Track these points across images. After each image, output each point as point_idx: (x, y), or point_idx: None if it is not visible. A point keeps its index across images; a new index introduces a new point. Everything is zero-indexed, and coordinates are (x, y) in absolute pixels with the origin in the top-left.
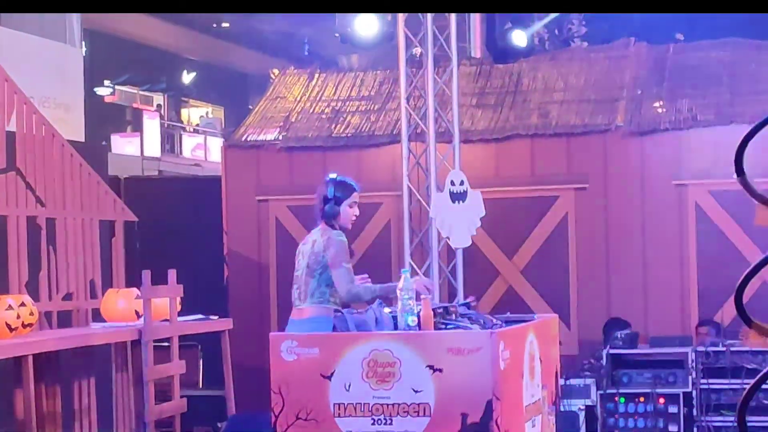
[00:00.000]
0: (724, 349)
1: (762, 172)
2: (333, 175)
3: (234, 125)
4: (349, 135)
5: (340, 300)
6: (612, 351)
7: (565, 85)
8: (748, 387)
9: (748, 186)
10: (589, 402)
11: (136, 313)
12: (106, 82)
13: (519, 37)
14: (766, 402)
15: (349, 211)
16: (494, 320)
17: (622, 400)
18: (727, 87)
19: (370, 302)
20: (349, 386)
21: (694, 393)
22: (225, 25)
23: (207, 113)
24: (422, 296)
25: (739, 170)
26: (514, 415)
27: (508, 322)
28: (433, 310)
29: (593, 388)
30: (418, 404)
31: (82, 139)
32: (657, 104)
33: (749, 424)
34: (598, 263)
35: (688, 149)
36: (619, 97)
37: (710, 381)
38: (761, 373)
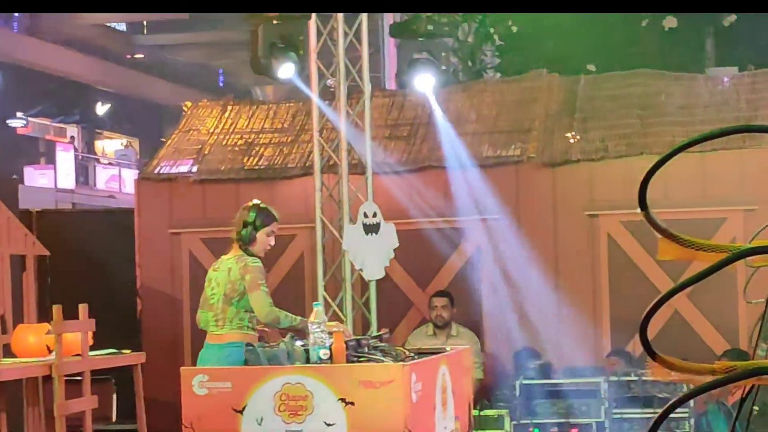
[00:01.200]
0: (636, 378)
1: (666, 203)
2: (257, 202)
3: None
4: (262, 167)
5: (255, 326)
6: (525, 381)
7: (477, 116)
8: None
9: (652, 220)
10: None
11: (48, 348)
12: (19, 114)
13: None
14: (677, 431)
15: (265, 240)
16: (407, 352)
17: (536, 430)
18: (637, 118)
19: (284, 331)
20: (262, 420)
21: (606, 423)
22: (139, 56)
23: (123, 144)
24: (334, 329)
25: (643, 205)
26: None
27: (420, 354)
28: (346, 342)
29: (507, 419)
30: None
31: None
32: (569, 135)
33: None
34: (512, 294)
35: (600, 180)
36: (531, 128)
37: (623, 410)
38: (669, 403)
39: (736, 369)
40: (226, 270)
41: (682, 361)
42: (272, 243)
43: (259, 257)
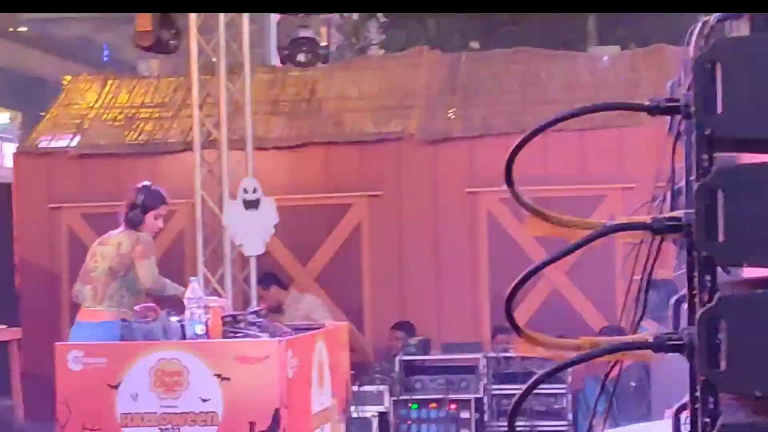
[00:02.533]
0: (514, 355)
1: (545, 180)
2: (146, 183)
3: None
4: (142, 142)
5: (132, 306)
6: (404, 357)
7: (359, 93)
8: (519, 392)
9: (518, 196)
10: (382, 408)
11: None
12: None
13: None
14: (555, 406)
15: (153, 222)
16: (284, 328)
17: (415, 406)
18: (518, 95)
19: (172, 304)
20: (137, 396)
21: (485, 398)
22: (22, 29)
23: (6, 118)
24: (213, 305)
25: (509, 181)
26: (303, 423)
27: (297, 330)
28: (222, 318)
29: (386, 395)
30: (206, 413)
31: None
32: (450, 112)
33: (541, 428)
34: (392, 270)
35: (481, 157)
36: (412, 105)
37: (501, 386)
38: (532, 379)
39: (600, 345)
40: (116, 244)
41: (547, 336)
42: (161, 225)
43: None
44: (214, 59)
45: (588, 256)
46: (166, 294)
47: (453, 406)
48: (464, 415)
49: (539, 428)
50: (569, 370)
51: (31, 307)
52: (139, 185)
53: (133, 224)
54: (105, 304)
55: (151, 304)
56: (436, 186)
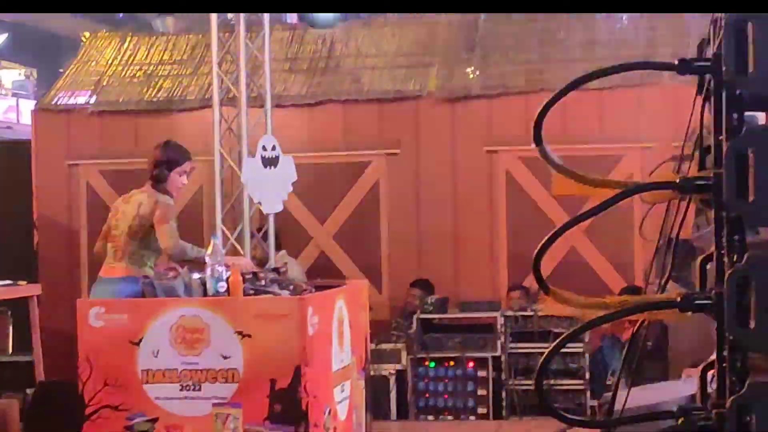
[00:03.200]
0: (531, 313)
1: (564, 139)
2: (169, 140)
3: (47, 88)
4: (161, 99)
5: (154, 265)
6: (422, 316)
7: (377, 51)
8: (546, 351)
9: (546, 155)
10: (399, 366)
11: None
12: None
13: None
14: (572, 365)
15: (177, 179)
16: (304, 286)
17: (432, 364)
18: (537, 54)
19: (191, 262)
20: (158, 353)
21: (502, 357)
22: None
23: (21, 75)
24: (232, 262)
25: (538, 139)
26: (323, 380)
27: (318, 288)
28: (243, 275)
29: (404, 353)
30: (227, 370)
31: None
32: (468, 70)
33: (557, 387)
34: (409, 229)
35: (499, 116)
36: (431, 63)
37: (519, 345)
38: (559, 339)
39: (627, 303)
40: (136, 204)
41: (575, 295)
42: (185, 182)
43: (172, 195)
44: (231, 16)
45: (606, 216)
46: (187, 258)
47: (470, 364)
48: (481, 373)
49: (556, 387)
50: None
51: (50, 264)
52: (163, 142)
53: (159, 181)
54: (125, 262)
55: (173, 264)
56: (454, 144)
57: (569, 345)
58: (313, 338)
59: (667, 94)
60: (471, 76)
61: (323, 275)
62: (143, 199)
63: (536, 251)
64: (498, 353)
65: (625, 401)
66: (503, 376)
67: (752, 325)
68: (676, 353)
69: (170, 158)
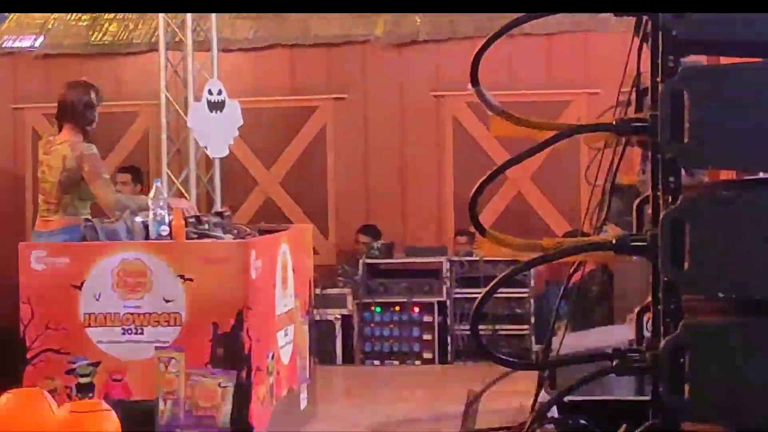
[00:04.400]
0: (477, 258)
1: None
2: (86, 79)
3: None
4: (106, 42)
5: (90, 212)
6: (368, 260)
7: None
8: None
9: (483, 97)
10: (345, 311)
11: None
12: None
13: None
14: (518, 310)
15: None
16: (248, 230)
17: (378, 309)
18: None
19: (134, 212)
20: (100, 296)
21: (448, 302)
22: None
23: None
24: (174, 206)
25: (475, 81)
26: (266, 324)
27: (262, 232)
28: (186, 219)
29: (349, 298)
30: (169, 314)
31: None
32: (416, 15)
33: (503, 332)
34: (356, 174)
35: (446, 61)
36: None
37: (464, 290)
38: (493, 282)
39: (564, 245)
40: (60, 158)
41: (511, 237)
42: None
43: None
44: None
45: (552, 162)
46: (131, 209)
47: (416, 309)
48: (427, 318)
49: (501, 332)
50: (531, 275)
51: None
52: (81, 81)
53: (88, 123)
54: (59, 214)
55: None
56: (401, 89)
57: (514, 290)
58: (256, 282)
59: (615, 40)
60: (418, 21)
61: (269, 220)
62: (66, 152)
63: (473, 191)
64: (444, 298)
65: (560, 344)
66: (449, 321)
67: (686, 266)
68: (622, 299)
69: (96, 99)
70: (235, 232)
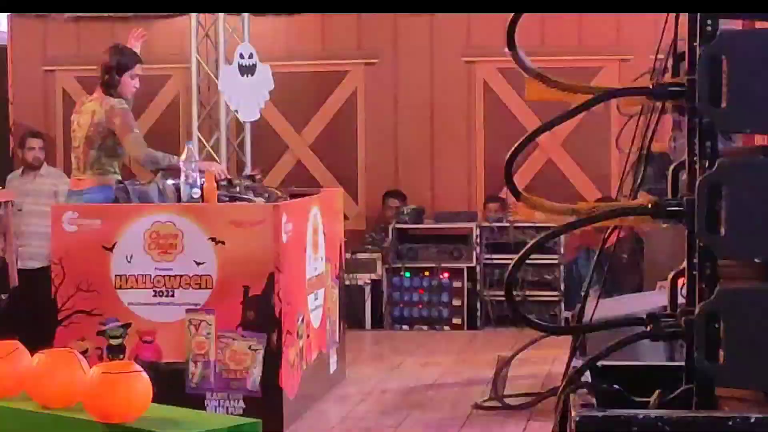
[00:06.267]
0: (507, 225)
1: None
2: (117, 44)
3: None
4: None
5: (119, 170)
6: (397, 226)
7: None
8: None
9: (520, 60)
10: (374, 276)
11: None
12: None
13: None
14: (547, 277)
15: (129, 83)
16: (279, 193)
17: (407, 274)
18: None
19: (165, 170)
20: (131, 258)
21: (477, 268)
22: None
23: None
24: (206, 168)
25: (511, 44)
26: (296, 287)
27: (293, 196)
28: (217, 182)
29: (379, 263)
30: (200, 276)
31: None
32: None
33: (532, 298)
34: (386, 139)
35: (477, 26)
36: None
37: (494, 256)
38: (526, 247)
39: (597, 210)
40: (90, 113)
41: (544, 200)
42: (137, 85)
43: (126, 99)
44: None
45: (583, 128)
46: (160, 166)
47: (445, 275)
48: (456, 284)
49: (531, 298)
50: (562, 241)
51: None
52: (111, 46)
53: (109, 87)
54: (89, 173)
55: None
56: (432, 54)
57: (544, 257)
58: (287, 245)
59: None
60: None
61: (300, 184)
62: (95, 107)
63: (508, 155)
64: (473, 264)
65: (594, 309)
66: (478, 287)
67: (722, 231)
68: (652, 266)
69: (120, 62)
70: (267, 195)
